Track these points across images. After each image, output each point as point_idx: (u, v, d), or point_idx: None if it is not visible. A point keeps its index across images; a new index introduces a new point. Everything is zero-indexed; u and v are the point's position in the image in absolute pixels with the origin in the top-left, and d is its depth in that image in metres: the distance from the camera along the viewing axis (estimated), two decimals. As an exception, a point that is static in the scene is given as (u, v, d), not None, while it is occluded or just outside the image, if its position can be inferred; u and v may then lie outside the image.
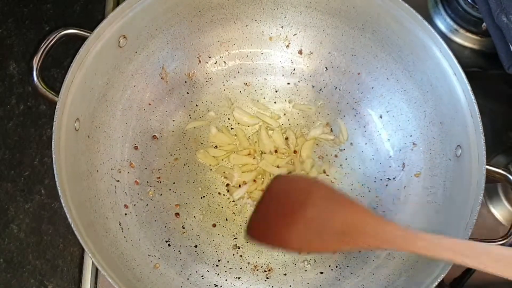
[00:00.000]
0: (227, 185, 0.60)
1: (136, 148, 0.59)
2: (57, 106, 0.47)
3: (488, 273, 0.35)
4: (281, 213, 0.47)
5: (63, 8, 0.70)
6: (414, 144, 0.58)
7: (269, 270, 0.56)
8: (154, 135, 0.60)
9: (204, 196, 0.59)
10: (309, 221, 0.45)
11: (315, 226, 0.44)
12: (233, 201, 0.59)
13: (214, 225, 0.58)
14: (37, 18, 0.70)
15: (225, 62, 0.63)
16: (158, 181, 0.58)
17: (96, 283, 0.57)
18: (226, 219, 0.58)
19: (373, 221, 0.42)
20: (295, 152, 0.61)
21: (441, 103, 0.54)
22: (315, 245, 0.45)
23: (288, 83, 0.64)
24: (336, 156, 0.61)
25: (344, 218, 0.43)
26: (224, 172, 0.60)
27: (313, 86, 0.64)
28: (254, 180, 0.59)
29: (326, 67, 0.63)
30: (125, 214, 0.55)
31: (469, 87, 0.49)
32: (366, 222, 0.42)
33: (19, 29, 0.69)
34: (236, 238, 0.57)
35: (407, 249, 0.41)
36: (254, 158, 0.60)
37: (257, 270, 0.56)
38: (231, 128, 0.62)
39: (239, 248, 0.57)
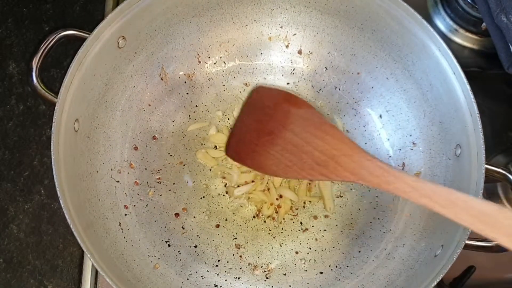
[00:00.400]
0: (226, 185, 0.60)
1: (135, 148, 0.59)
2: (56, 107, 0.47)
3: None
4: (259, 130, 0.44)
5: (63, 8, 0.70)
6: (413, 143, 0.58)
7: (269, 270, 0.56)
8: (154, 136, 0.60)
9: (203, 197, 0.59)
10: (287, 143, 0.41)
11: (292, 149, 0.41)
12: (233, 201, 0.59)
13: (218, 226, 0.58)
14: (37, 18, 0.70)
15: (224, 62, 0.63)
16: (158, 182, 0.58)
17: (96, 283, 0.57)
18: (226, 219, 0.58)
19: (353, 153, 0.38)
20: None
21: (440, 102, 0.54)
22: (292, 171, 0.42)
23: (288, 83, 0.64)
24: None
25: (322, 146, 0.40)
26: (223, 173, 0.60)
27: (312, 86, 0.64)
28: (253, 181, 0.59)
29: (325, 67, 0.63)
30: (125, 214, 0.55)
31: (468, 87, 0.49)
32: (345, 153, 0.38)
33: (19, 29, 0.69)
34: (235, 238, 0.57)
35: (383, 188, 0.38)
36: None
37: (256, 270, 0.56)
38: (231, 129, 0.62)
39: (238, 248, 0.57)
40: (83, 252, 0.59)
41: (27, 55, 0.68)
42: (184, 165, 0.60)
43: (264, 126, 0.44)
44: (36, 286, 0.58)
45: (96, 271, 0.58)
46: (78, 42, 0.49)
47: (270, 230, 0.58)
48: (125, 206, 0.55)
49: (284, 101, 0.43)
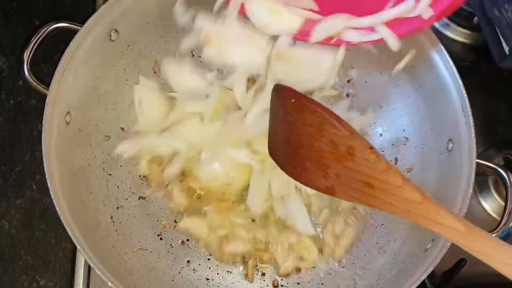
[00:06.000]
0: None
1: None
2: (47, 99, 0.47)
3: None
4: (289, 140, 0.41)
5: (53, 1, 0.69)
6: (406, 138, 0.59)
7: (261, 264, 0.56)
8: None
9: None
10: (329, 158, 0.38)
11: (338, 167, 0.38)
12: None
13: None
14: (27, 12, 0.69)
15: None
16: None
17: (88, 278, 0.57)
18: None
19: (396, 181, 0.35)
20: None
21: (433, 97, 0.54)
22: (339, 190, 0.39)
23: (281, 78, 0.64)
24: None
25: (365, 169, 0.36)
26: None
27: (305, 81, 0.64)
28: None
29: (319, 62, 0.63)
30: (117, 207, 0.55)
31: (460, 82, 0.50)
32: (389, 180, 0.35)
33: (8, 22, 0.68)
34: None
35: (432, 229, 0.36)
36: None
37: (247, 264, 0.56)
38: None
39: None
40: (75, 247, 0.58)
41: (17, 49, 0.66)
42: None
43: (293, 137, 0.41)
44: (28, 281, 0.58)
45: (89, 266, 0.58)
46: (69, 37, 0.49)
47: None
48: (116, 199, 0.55)
49: (306, 109, 0.40)
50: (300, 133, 0.41)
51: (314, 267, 0.55)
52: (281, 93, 0.42)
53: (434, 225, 0.35)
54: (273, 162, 0.54)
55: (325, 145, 0.39)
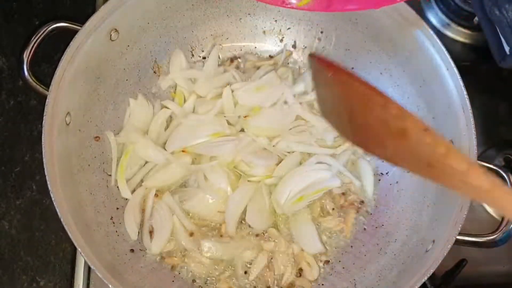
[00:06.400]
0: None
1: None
2: (47, 100, 0.46)
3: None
4: (342, 110, 0.37)
5: (53, 2, 0.69)
6: (406, 139, 0.58)
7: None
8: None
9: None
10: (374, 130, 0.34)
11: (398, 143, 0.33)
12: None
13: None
14: (27, 12, 0.69)
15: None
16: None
17: (88, 279, 0.57)
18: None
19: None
20: None
21: (433, 97, 0.54)
22: (401, 162, 0.35)
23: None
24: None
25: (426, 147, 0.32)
26: None
27: (306, 81, 0.63)
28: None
29: (319, 62, 0.63)
30: (117, 208, 0.54)
31: (461, 82, 0.50)
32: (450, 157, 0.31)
33: (8, 22, 0.68)
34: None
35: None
36: None
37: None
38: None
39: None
40: (75, 248, 0.58)
41: (17, 49, 0.66)
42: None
43: (339, 108, 0.37)
44: (28, 282, 0.58)
45: (89, 267, 0.58)
46: (68, 37, 0.49)
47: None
48: (116, 199, 0.55)
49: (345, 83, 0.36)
50: (345, 106, 0.36)
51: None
52: (318, 64, 0.38)
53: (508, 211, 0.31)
54: (270, 181, 0.55)
55: (374, 122, 0.34)
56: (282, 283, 0.53)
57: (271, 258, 0.53)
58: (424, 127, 0.32)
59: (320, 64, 0.38)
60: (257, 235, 0.54)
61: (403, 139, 0.33)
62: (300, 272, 0.53)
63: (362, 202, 0.57)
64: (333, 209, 0.56)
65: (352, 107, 0.36)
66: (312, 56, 0.39)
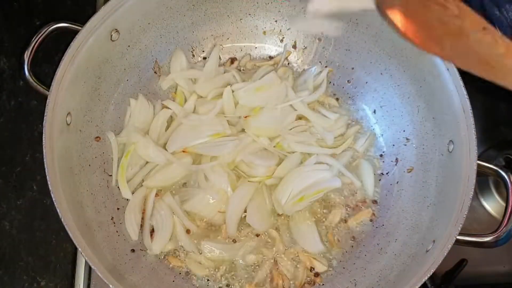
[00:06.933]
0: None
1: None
2: (48, 100, 0.46)
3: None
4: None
5: (54, 2, 0.70)
6: (407, 139, 0.58)
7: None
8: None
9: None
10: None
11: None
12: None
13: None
14: (27, 13, 0.69)
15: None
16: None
17: (89, 279, 0.57)
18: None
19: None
20: None
21: (434, 98, 0.54)
22: (457, 60, 0.35)
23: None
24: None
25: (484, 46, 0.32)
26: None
27: (306, 81, 0.64)
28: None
29: (320, 62, 0.63)
30: (118, 208, 0.54)
31: (461, 83, 0.50)
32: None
33: (9, 23, 0.68)
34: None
35: None
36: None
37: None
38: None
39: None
40: (76, 248, 0.58)
41: (17, 50, 0.67)
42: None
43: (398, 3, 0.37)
44: (29, 282, 0.58)
45: (90, 267, 0.58)
46: (69, 38, 0.49)
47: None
48: (117, 200, 0.55)
49: None
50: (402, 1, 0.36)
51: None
52: None
53: None
54: (271, 181, 0.55)
55: (433, 19, 0.34)
56: (296, 284, 0.53)
57: (276, 261, 0.54)
58: (483, 25, 0.32)
59: None
60: (257, 235, 0.54)
61: (462, 38, 0.32)
62: (311, 268, 0.54)
63: (365, 202, 0.57)
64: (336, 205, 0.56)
65: (411, 5, 0.35)
66: None
